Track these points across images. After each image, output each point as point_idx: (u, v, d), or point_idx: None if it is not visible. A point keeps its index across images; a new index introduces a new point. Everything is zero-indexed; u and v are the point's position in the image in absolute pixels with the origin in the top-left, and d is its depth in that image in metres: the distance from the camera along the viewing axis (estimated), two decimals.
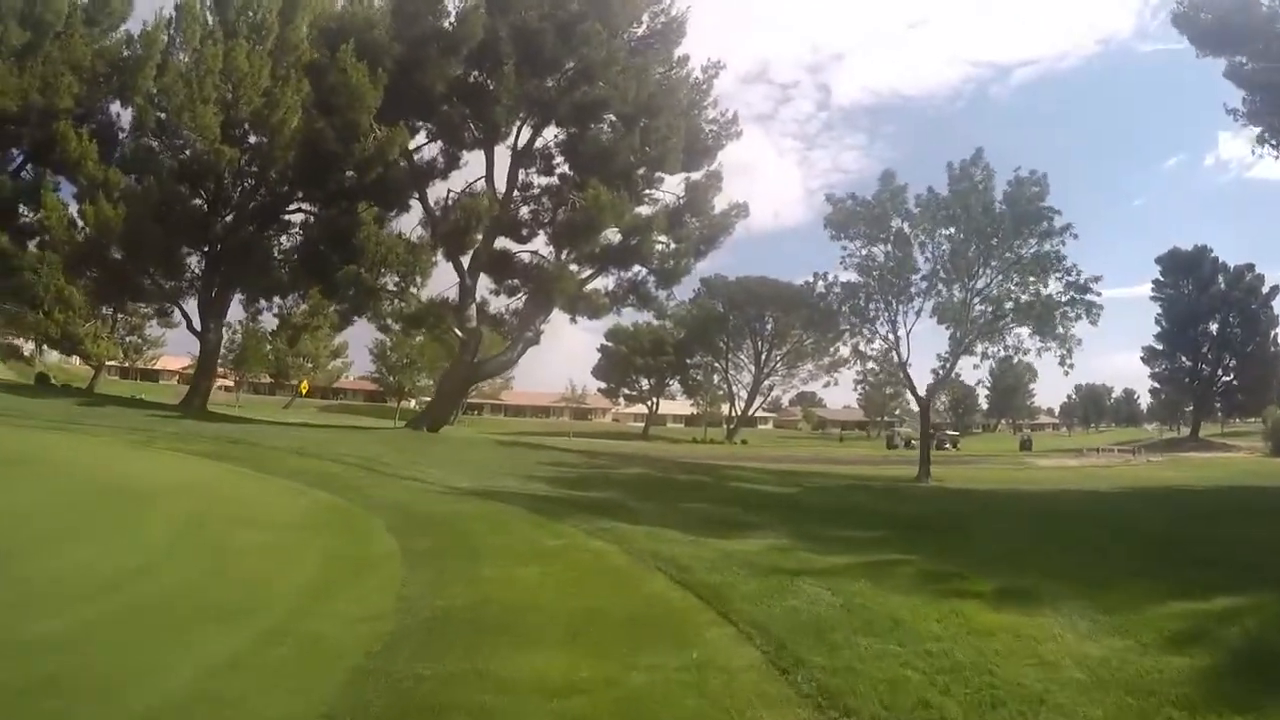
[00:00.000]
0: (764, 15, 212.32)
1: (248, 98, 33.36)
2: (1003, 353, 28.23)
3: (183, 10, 34.00)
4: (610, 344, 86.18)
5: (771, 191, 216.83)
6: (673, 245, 33.12)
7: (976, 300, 27.06)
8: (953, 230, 26.82)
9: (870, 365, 29.71)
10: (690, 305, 76.51)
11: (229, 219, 36.00)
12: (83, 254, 31.26)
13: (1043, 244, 26.65)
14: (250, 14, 35.72)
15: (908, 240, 27.45)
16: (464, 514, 10.61)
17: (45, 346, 68.93)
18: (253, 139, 35.23)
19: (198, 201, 35.50)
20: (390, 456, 18.20)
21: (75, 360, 69.40)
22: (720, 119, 34.54)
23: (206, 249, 35.73)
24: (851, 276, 28.42)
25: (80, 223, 31.60)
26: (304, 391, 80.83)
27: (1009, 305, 27.03)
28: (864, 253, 27.99)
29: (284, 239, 37.27)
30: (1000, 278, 27.05)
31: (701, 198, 33.56)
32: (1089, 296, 26.17)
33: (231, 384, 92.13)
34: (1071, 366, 26.57)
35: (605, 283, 34.90)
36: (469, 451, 21.97)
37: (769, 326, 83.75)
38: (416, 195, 30.84)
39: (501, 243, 33.80)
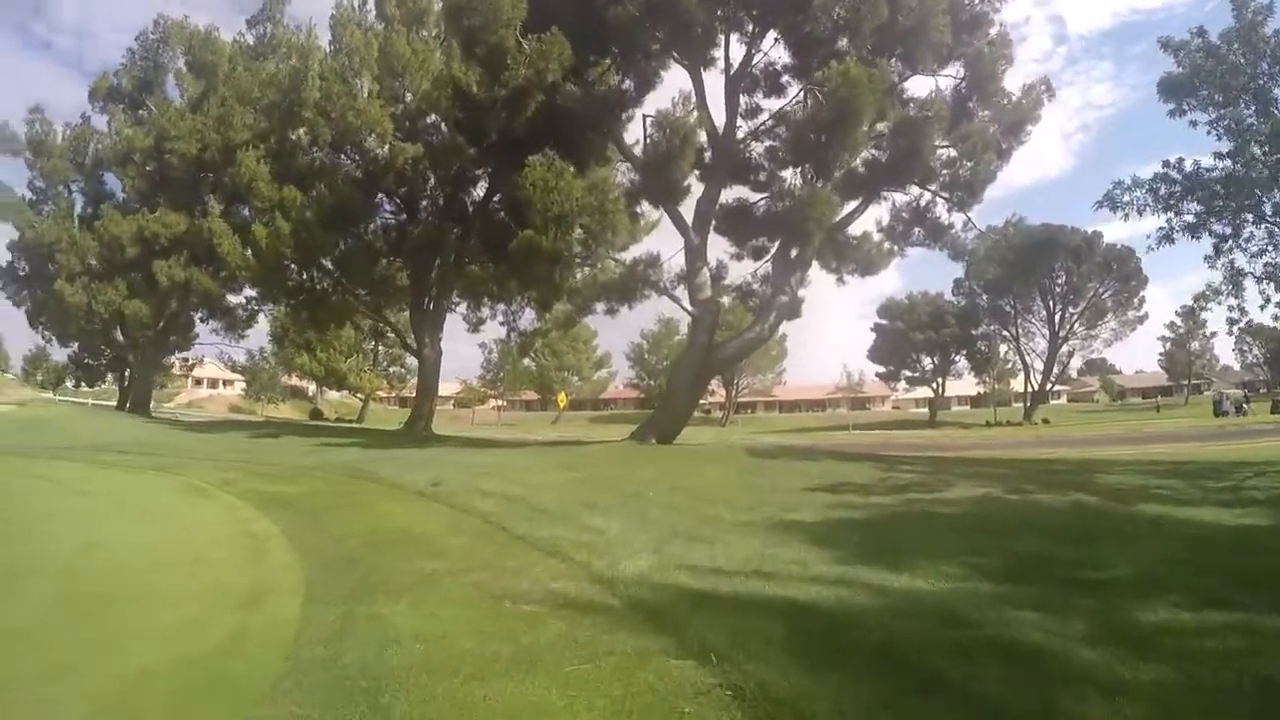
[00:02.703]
0: None
1: (415, 84, 29.08)
2: None
3: (337, 20, 30.66)
4: (884, 321, 75.34)
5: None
6: (962, 145, 23.63)
7: None
8: None
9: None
10: (983, 240, 62.58)
11: (429, 220, 31.99)
12: (262, 278, 28.55)
13: None
14: (409, 3, 31.56)
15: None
16: None
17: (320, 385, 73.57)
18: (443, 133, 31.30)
19: (389, 208, 32.68)
20: (559, 493, 11.35)
21: (357, 395, 73.56)
22: None
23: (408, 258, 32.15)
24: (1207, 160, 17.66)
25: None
26: (562, 405, 79.11)
27: None
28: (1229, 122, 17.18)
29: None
30: None
31: (988, 75, 23.36)
32: None
33: (503, 404, 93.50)
34: None
35: (878, 215, 26.03)
36: (696, 474, 13.92)
37: (1060, 281, 67.92)
38: (607, 136, 24.17)
39: (735, 194, 26.15)
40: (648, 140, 22.41)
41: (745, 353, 27.95)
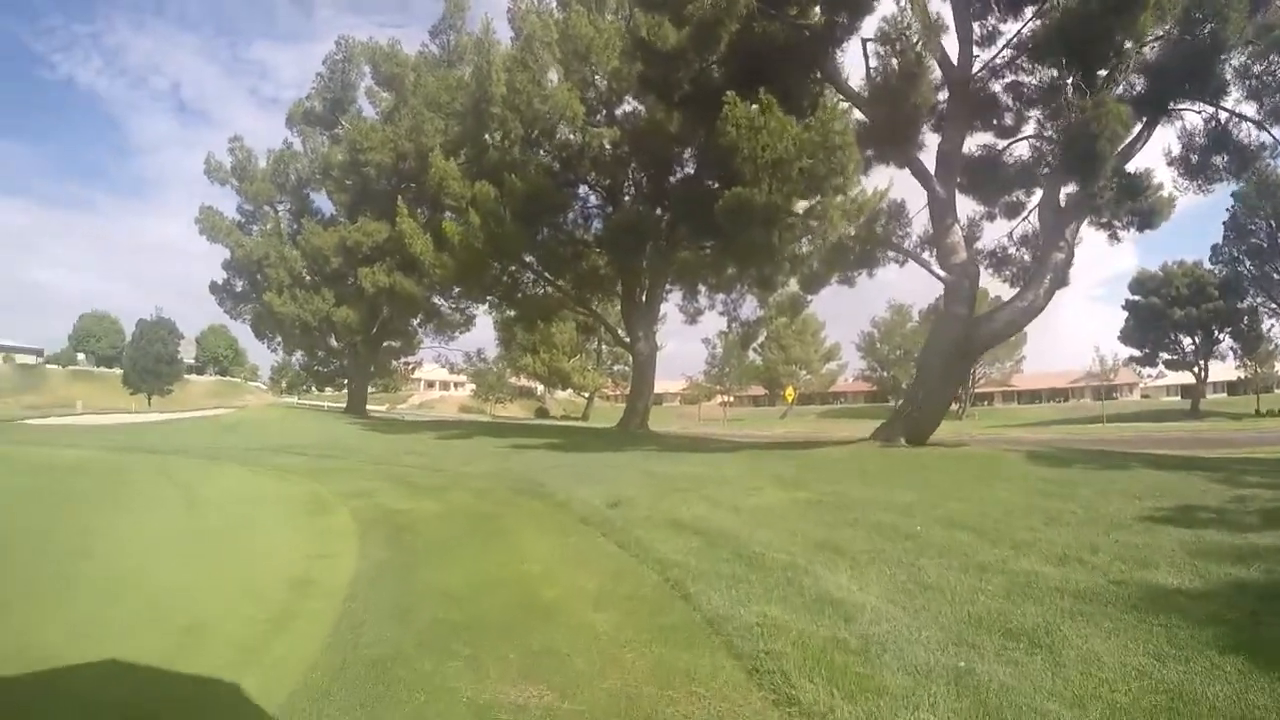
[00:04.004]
0: None
1: (604, 63, 26.96)
2: None
3: (515, 14, 29.18)
4: (1138, 297, 64.83)
5: None
6: (1268, 38, 17.16)
7: None
8: None
9: None
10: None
11: (633, 207, 29.67)
12: (457, 276, 28.02)
13: None
14: None
15: None
16: None
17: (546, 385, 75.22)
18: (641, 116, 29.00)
19: (594, 200, 31.18)
20: (781, 525, 7.89)
21: (582, 393, 74.61)
22: None
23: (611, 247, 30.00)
24: None
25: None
26: (790, 399, 76.11)
27: None
28: None
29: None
30: None
31: None
32: None
33: (729, 399, 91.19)
34: None
35: (1165, 142, 19.82)
36: (973, 494, 9.53)
37: None
38: (822, 82, 20.28)
39: (978, 142, 21.15)
40: (870, 65, 18.24)
41: (1015, 328, 21.75)
